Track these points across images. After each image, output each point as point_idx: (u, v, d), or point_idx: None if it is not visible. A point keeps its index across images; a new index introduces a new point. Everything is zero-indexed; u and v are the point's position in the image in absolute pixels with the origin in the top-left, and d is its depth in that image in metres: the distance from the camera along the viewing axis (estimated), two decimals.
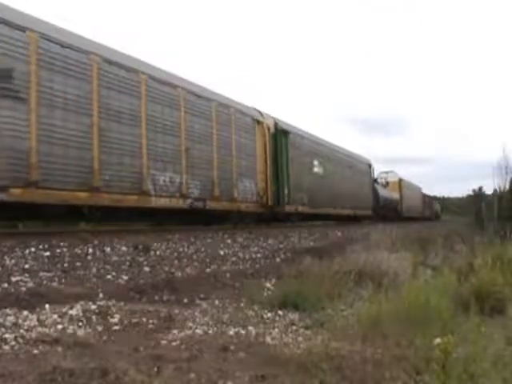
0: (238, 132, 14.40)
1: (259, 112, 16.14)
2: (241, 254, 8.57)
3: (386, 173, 35.59)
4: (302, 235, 13.55)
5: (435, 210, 57.18)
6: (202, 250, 8.48)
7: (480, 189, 29.41)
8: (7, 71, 7.91)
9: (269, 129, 16.21)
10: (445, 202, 74.29)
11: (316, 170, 19.68)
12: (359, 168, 25.92)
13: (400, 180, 36.60)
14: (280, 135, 16.75)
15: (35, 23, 8.69)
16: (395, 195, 34.36)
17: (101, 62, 9.76)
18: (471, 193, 34.59)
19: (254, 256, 8.63)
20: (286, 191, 16.66)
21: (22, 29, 8.29)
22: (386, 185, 34.48)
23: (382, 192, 30.95)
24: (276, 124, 16.76)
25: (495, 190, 19.49)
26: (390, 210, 31.28)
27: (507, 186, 19.13)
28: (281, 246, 10.73)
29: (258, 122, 15.69)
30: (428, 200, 51.26)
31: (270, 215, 16.10)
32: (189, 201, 11.99)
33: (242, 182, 14.40)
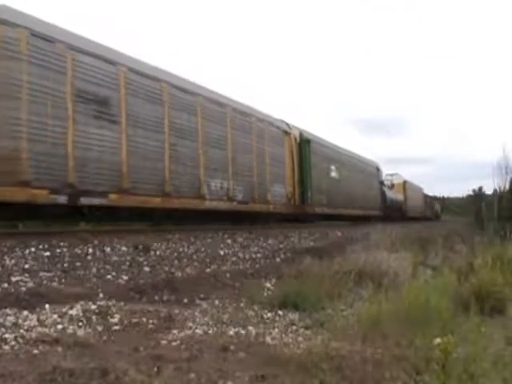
0: (270, 143, 16.39)
1: (287, 124, 18.10)
2: (241, 254, 8.57)
3: (392, 175, 37.09)
4: (302, 235, 13.55)
5: (435, 210, 57.53)
6: (202, 250, 8.48)
7: (480, 189, 29.43)
8: (105, 99, 9.74)
9: (295, 139, 18.19)
10: (445, 202, 74.25)
11: (333, 174, 21.72)
12: (369, 171, 27.84)
13: (404, 182, 38.38)
14: (304, 144, 18.65)
15: (123, 58, 10.60)
16: (400, 196, 36.15)
17: (170, 88, 11.69)
18: (471, 193, 34.69)
19: (253, 256, 8.63)
20: (309, 194, 18.62)
21: (114, 63, 10.12)
22: (392, 186, 35.93)
23: (389, 193, 32.56)
24: (301, 134, 18.71)
25: (495, 190, 19.49)
26: (396, 210, 32.98)
27: (507, 186, 19.13)
28: (281, 245, 10.73)
29: (286, 132, 17.68)
30: (429, 200, 52.45)
31: (296, 215, 17.89)
32: (234, 203, 13.82)
33: (274, 186, 16.36)
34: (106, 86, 9.77)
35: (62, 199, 8.68)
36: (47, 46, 8.72)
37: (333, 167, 21.64)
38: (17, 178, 8.00)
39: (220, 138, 13.52)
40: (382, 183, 30.90)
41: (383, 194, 30.20)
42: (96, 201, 9.33)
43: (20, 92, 8.23)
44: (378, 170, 29.64)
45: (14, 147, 8.08)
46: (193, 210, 12.36)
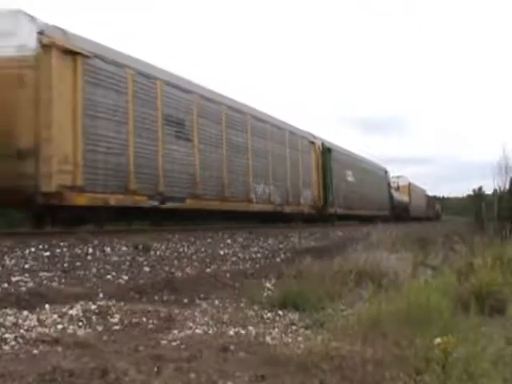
0: (300, 153, 19.05)
1: (312, 135, 20.83)
2: (241, 254, 8.57)
3: (397, 177, 39.19)
4: (302, 235, 13.54)
5: (436, 210, 58.01)
6: (202, 250, 8.48)
7: (480, 189, 29.43)
8: (182, 121, 12.05)
9: (319, 148, 20.90)
10: (445, 202, 74.26)
11: (349, 178, 24.30)
12: (379, 175, 30.62)
13: (409, 184, 40.85)
14: (326, 152, 21.30)
15: (195, 87, 12.96)
16: (405, 198, 38.55)
17: (227, 110, 14.09)
18: (471, 193, 34.77)
19: (253, 256, 8.63)
20: (330, 197, 21.16)
21: (189, 92, 12.45)
22: (398, 188, 38.03)
23: (396, 195, 34.91)
24: (323, 144, 21.35)
25: (495, 190, 19.48)
26: (402, 210, 35.43)
27: (507, 186, 19.13)
28: (281, 246, 10.73)
29: (312, 143, 20.43)
30: (431, 201, 54.20)
31: (320, 216, 20.29)
32: (273, 205, 16.40)
33: (304, 190, 18.92)
34: (183, 111, 12.11)
35: (155, 203, 10.87)
36: (146, 82, 10.97)
37: (349, 172, 24.23)
38: (126, 188, 10.06)
39: (263, 150, 16.13)
40: (389, 185, 33.22)
41: (391, 195, 32.64)
42: (177, 205, 11.60)
43: (127, 119, 10.22)
44: (386, 172, 32.49)
45: (125, 163, 10.05)
46: (243, 212, 14.83)
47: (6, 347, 3.05)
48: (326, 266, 6.52)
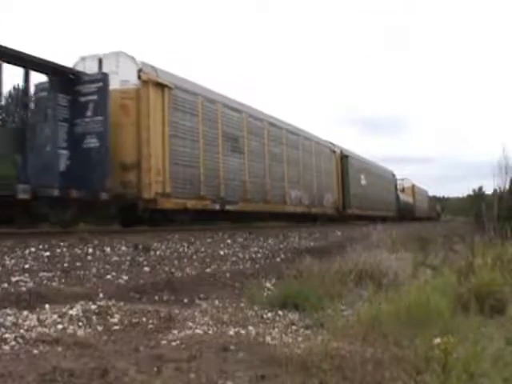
0: (323, 161, 22.11)
1: (332, 144, 23.87)
2: (241, 254, 8.57)
3: (402, 179, 41.57)
4: (302, 235, 13.54)
5: (437, 210, 58.54)
6: (202, 250, 8.48)
7: (480, 189, 29.41)
8: (235, 137, 14.72)
9: (338, 155, 24.06)
10: (445, 202, 74.26)
11: (362, 182, 27.17)
12: (387, 178, 33.68)
13: (413, 186, 43.88)
14: (344, 159, 24.46)
15: (244, 107, 15.70)
16: (410, 199, 41.35)
17: (268, 126, 17.02)
18: (471, 193, 34.80)
19: (253, 256, 8.63)
20: (348, 199, 24.23)
21: (240, 111, 15.22)
22: (403, 190, 40.46)
23: (401, 196, 37.57)
24: (341, 151, 24.51)
25: (495, 190, 19.45)
26: (407, 211, 38.15)
27: (507, 186, 19.10)
28: (281, 246, 10.73)
29: (333, 151, 23.54)
30: (432, 201, 56.50)
31: (339, 216, 23.30)
32: (302, 207, 19.21)
33: (326, 193, 21.94)
34: (236, 128, 14.76)
35: (217, 206, 13.34)
36: (211, 105, 13.49)
37: (362, 176, 27.20)
38: (198, 194, 12.54)
39: (295, 159, 19.02)
40: (396, 187, 35.97)
41: (397, 197, 35.52)
42: (232, 207, 14.01)
43: (198, 137, 12.76)
44: (393, 176, 35.67)
45: (197, 174, 12.61)
46: (279, 212, 17.66)
47: (6, 347, 3.04)
48: (325, 266, 6.52)
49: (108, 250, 7.21)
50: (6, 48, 8.80)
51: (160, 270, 6.39)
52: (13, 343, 3.11)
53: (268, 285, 5.93)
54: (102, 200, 9.95)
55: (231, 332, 3.80)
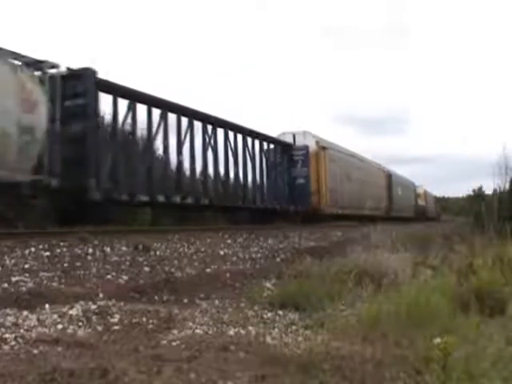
0: (377, 178, 32.56)
1: (380, 165, 35.40)
2: (241, 254, 8.57)
3: (417, 187, 50.03)
4: (302, 235, 13.54)
5: (438, 210, 60.16)
6: (202, 250, 8.48)
7: (480, 189, 29.39)
8: (349, 173, 26.16)
9: (386, 174, 35.35)
10: (445, 202, 74.30)
11: (399, 193, 38.55)
12: (410, 188, 44.87)
13: (424, 191, 52.94)
14: (390, 176, 36.34)
15: (353, 152, 29.42)
16: (423, 203, 50.80)
17: (359, 162, 30.20)
18: (471, 193, 34.80)
19: (254, 256, 8.63)
20: (392, 205, 35.39)
21: (352, 156, 29.04)
22: (418, 196, 49.24)
23: (418, 201, 47.33)
24: (388, 170, 36.37)
25: (495, 190, 19.43)
26: (421, 213, 47.34)
27: (507, 186, 19.07)
28: (281, 245, 10.73)
29: (383, 171, 35.13)
30: (438, 204, 64.37)
31: (387, 217, 31.16)
32: (370, 211, 27.62)
33: (381, 202, 32.28)
34: (350, 167, 27.43)
35: (340, 211, 23.70)
36: (339, 155, 25.81)
37: (399, 188, 38.07)
38: (342, 205, 25.04)
39: (366, 181, 28.87)
40: (415, 194, 46.44)
41: (416, 202, 46.07)
42: (347, 211, 24.42)
43: (336, 175, 24.64)
44: (413, 185, 46.78)
45: (341, 197, 24.86)
46: (359, 215, 25.50)
47: (6, 347, 3.04)
48: (325, 266, 6.52)
49: (108, 249, 7.21)
50: (248, 129, 18.68)
51: (160, 269, 6.39)
52: (13, 343, 3.11)
53: (268, 285, 5.93)
54: (293, 211, 20.86)
55: (231, 332, 3.80)
